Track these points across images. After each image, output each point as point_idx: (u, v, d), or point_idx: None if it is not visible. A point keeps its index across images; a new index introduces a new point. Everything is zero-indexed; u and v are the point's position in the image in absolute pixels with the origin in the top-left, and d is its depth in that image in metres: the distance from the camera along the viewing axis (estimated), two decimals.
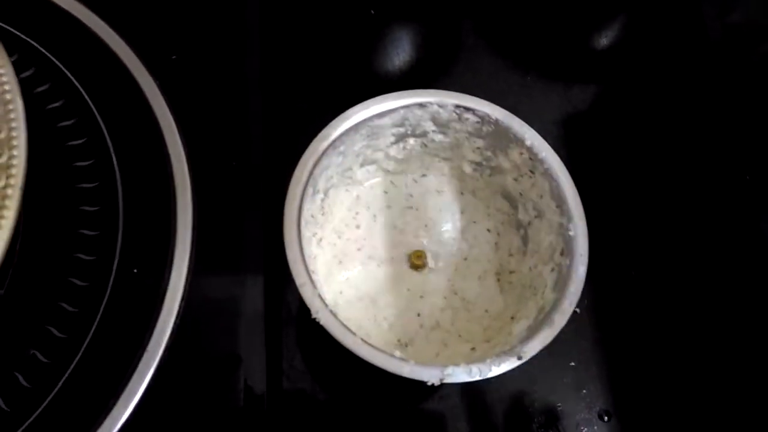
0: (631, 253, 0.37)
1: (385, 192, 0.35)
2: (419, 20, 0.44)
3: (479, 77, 0.42)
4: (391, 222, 0.34)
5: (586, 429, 0.32)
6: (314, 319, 0.26)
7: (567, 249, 0.29)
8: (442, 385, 0.32)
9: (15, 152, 0.24)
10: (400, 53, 0.42)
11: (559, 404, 0.33)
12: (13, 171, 0.24)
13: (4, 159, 0.24)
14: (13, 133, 0.25)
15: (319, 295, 0.27)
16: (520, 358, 0.26)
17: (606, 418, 0.33)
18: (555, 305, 0.27)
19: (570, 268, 0.28)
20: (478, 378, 0.26)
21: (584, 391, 0.33)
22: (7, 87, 0.25)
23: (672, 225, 0.38)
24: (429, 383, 0.26)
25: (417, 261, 0.33)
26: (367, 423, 0.32)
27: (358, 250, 0.33)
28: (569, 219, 0.29)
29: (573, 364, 0.33)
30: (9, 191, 0.24)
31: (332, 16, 0.43)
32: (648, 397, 0.33)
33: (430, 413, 0.32)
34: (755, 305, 0.36)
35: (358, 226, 0.34)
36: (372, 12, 0.43)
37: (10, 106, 0.25)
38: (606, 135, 0.41)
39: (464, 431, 0.32)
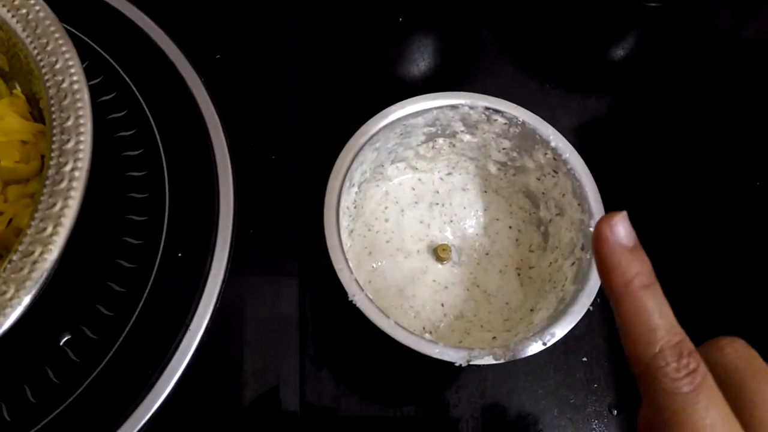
0: None
1: (413, 188, 0.35)
2: (443, 29, 0.45)
3: (500, 84, 0.42)
4: (418, 217, 0.35)
5: (596, 421, 0.33)
6: (351, 301, 0.27)
7: (587, 244, 0.29)
8: (459, 376, 0.34)
9: (82, 138, 0.26)
10: (425, 58, 0.43)
11: (571, 398, 0.33)
12: (80, 155, 0.26)
13: (72, 144, 0.26)
14: (81, 120, 0.26)
15: (356, 280, 0.28)
16: (544, 344, 0.27)
17: (616, 411, 0.33)
18: (576, 295, 0.28)
19: (590, 261, 0.28)
20: (502, 360, 0.26)
21: (595, 385, 0.34)
22: (75, 78, 0.27)
23: (683, 229, 0.39)
24: (456, 364, 0.26)
25: (442, 254, 0.33)
26: (390, 422, 0.33)
27: (387, 242, 0.34)
28: (590, 216, 0.29)
29: (585, 359, 0.34)
30: (77, 173, 0.25)
31: (364, 23, 0.44)
32: None
33: (446, 405, 0.33)
34: (764, 309, 0.37)
35: (387, 220, 0.34)
36: (400, 20, 0.44)
37: (78, 96, 0.27)
38: (621, 142, 0.42)
39: (479, 422, 0.33)
